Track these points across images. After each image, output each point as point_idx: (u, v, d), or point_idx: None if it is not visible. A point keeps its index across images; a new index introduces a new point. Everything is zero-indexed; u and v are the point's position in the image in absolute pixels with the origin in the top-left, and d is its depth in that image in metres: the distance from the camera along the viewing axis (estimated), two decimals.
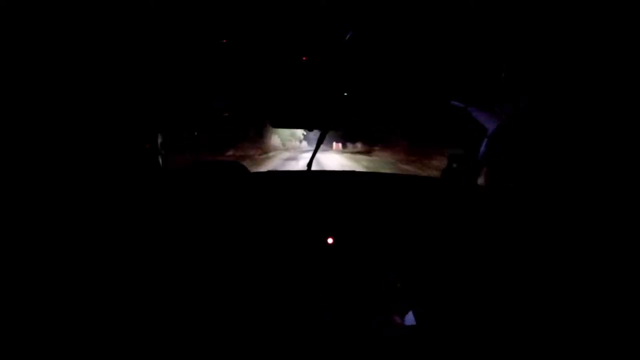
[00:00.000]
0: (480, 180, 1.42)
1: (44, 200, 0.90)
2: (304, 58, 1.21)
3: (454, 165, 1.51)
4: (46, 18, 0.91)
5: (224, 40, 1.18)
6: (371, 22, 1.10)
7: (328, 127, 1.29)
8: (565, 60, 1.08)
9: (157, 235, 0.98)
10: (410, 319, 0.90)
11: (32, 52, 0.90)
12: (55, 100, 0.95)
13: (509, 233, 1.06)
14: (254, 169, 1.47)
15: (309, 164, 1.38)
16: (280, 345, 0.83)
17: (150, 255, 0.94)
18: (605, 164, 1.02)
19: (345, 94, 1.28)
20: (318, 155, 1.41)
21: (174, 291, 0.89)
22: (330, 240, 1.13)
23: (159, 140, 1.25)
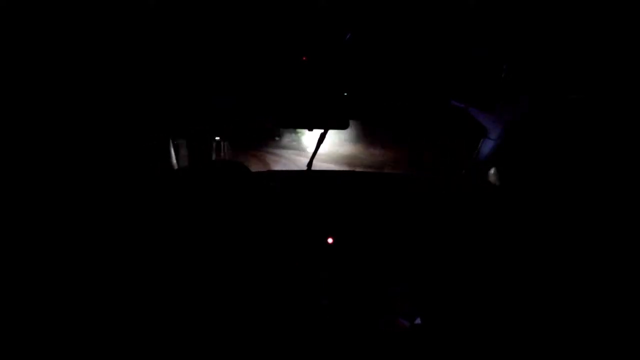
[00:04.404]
0: (480, 180, 1.42)
1: (45, 199, 0.90)
2: (304, 58, 1.21)
3: (454, 166, 1.50)
4: (46, 18, 0.91)
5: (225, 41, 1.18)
6: (370, 23, 1.10)
7: (328, 127, 1.29)
8: (565, 59, 1.08)
9: (159, 234, 0.99)
10: (411, 319, 0.91)
11: (32, 52, 0.90)
12: (58, 100, 0.96)
13: (508, 232, 1.06)
14: None
15: (309, 164, 1.38)
16: (280, 345, 0.83)
17: (152, 254, 0.94)
18: (605, 163, 1.02)
19: (345, 94, 1.28)
20: None
21: (175, 289, 0.89)
22: (330, 240, 1.14)
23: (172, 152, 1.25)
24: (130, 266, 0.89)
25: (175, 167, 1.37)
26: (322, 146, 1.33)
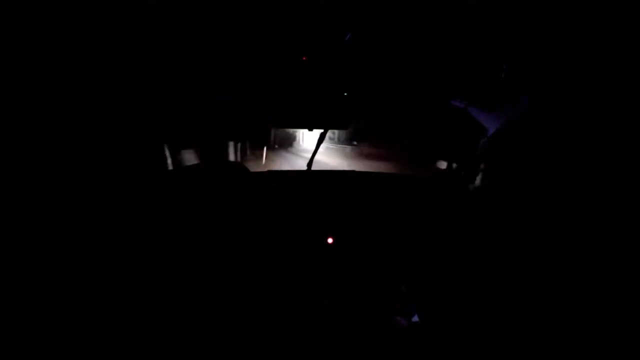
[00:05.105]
0: (480, 180, 1.42)
1: (45, 199, 0.90)
2: (304, 58, 1.21)
3: (454, 165, 1.50)
4: (46, 18, 0.91)
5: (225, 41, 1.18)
6: (370, 23, 1.10)
7: (328, 127, 1.29)
8: (565, 59, 1.08)
9: (161, 233, 0.99)
10: (411, 318, 0.91)
11: (32, 52, 0.90)
12: (59, 100, 0.96)
13: (508, 232, 1.06)
14: None
15: (309, 164, 1.38)
16: (280, 345, 0.83)
17: (152, 253, 0.94)
18: (605, 162, 1.02)
19: (345, 94, 1.28)
20: None
21: (175, 289, 0.89)
22: (330, 240, 1.14)
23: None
24: (131, 266, 0.89)
25: (172, 167, 1.37)
26: None
